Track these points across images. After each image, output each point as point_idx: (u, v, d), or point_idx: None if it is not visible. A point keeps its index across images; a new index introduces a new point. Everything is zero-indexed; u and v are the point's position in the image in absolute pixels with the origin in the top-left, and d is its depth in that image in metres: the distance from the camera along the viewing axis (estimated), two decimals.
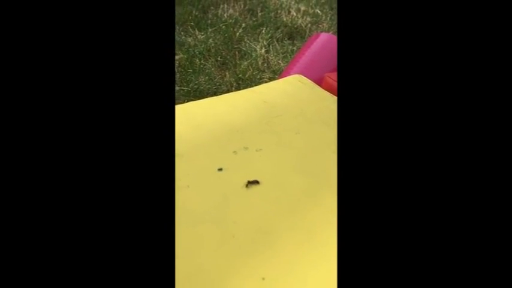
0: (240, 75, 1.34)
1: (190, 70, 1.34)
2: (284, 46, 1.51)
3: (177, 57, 1.40)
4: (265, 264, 0.38)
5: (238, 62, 1.41)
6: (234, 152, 0.53)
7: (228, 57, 1.43)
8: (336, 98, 0.71)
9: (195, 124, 0.57)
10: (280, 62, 1.43)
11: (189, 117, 0.58)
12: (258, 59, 1.42)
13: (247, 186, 0.47)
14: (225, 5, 1.70)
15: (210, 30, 1.53)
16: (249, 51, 1.45)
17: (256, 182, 0.48)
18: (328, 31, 1.63)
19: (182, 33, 1.51)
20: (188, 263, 0.37)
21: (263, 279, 0.37)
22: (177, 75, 1.33)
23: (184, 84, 1.28)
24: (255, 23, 1.61)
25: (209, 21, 1.59)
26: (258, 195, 0.46)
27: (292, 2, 1.78)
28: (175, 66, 1.36)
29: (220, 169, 0.50)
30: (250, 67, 1.38)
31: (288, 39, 1.57)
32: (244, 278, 0.37)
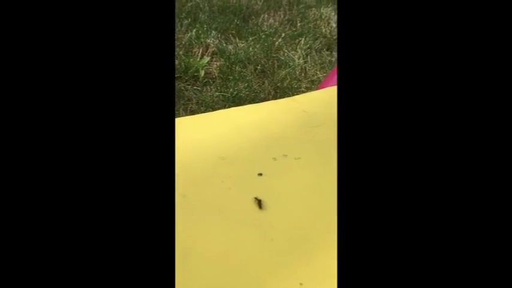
0: (278, 84, 1.35)
1: (231, 77, 1.37)
2: (322, 57, 1.51)
3: (218, 63, 1.43)
4: (303, 270, 0.39)
5: (276, 70, 1.42)
6: (274, 158, 0.54)
7: (267, 65, 1.45)
8: None
9: (237, 128, 0.59)
10: (318, 72, 1.43)
11: (231, 121, 0.60)
12: (296, 68, 1.43)
13: (259, 206, 0.45)
14: (266, 15, 1.73)
15: (250, 39, 1.55)
16: (287, 61, 1.46)
17: (259, 201, 0.46)
18: None
19: (223, 41, 1.54)
20: (227, 263, 0.38)
21: (301, 284, 0.37)
22: (218, 81, 1.36)
23: (224, 89, 1.31)
24: (294, 33, 1.63)
25: (250, 30, 1.61)
26: (297, 202, 0.47)
27: (332, 13, 1.78)
28: (216, 72, 1.39)
29: (260, 174, 0.51)
30: (288, 76, 1.39)
31: (327, 50, 1.57)
32: (282, 281, 0.37)
